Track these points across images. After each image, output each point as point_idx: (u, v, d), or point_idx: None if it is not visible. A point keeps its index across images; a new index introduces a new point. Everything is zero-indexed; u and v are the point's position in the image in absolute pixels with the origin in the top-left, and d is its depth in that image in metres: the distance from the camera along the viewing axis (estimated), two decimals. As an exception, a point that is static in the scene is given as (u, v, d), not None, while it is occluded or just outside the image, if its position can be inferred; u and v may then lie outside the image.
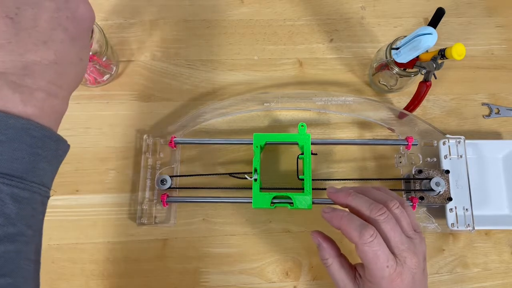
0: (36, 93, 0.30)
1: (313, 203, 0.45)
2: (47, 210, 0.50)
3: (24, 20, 0.30)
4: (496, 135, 0.55)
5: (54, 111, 0.31)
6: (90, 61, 0.48)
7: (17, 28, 0.30)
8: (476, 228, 0.47)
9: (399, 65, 0.49)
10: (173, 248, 0.50)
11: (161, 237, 0.50)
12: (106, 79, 0.53)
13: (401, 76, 0.51)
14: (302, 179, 0.46)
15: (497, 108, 0.56)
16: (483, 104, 0.56)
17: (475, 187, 0.49)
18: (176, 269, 0.49)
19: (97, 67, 0.50)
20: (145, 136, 0.51)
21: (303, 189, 0.46)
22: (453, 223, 0.47)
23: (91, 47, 0.44)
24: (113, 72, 0.54)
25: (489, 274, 0.50)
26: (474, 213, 0.48)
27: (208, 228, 0.50)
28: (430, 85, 0.48)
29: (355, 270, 0.39)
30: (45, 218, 0.50)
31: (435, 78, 0.47)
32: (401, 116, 0.52)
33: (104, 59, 0.50)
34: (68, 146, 0.33)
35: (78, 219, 0.50)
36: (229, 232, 0.50)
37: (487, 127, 0.55)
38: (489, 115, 0.56)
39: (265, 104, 0.52)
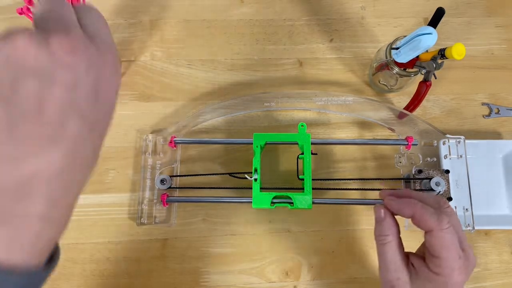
0: (28, 228, 0.21)
1: (313, 203, 0.45)
2: (47, 210, 0.50)
3: (24, 102, 0.19)
4: (496, 135, 0.55)
5: (48, 242, 0.22)
6: None
7: (12, 117, 0.19)
8: (476, 228, 0.47)
9: (399, 65, 0.49)
10: (173, 248, 0.50)
11: (161, 237, 0.50)
12: None
13: (401, 76, 0.51)
14: (302, 179, 0.46)
15: (497, 108, 0.56)
16: (483, 104, 0.56)
17: (475, 187, 0.49)
18: (176, 269, 0.49)
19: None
20: (145, 136, 0.51)
21: (303, 189, 0.46)
22: None
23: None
24: None
25: (489, 274, 0.50)
26: (474, 213, 0.48)
27: (208, 228, 0.50)
28: (430, 85, 0.48)
29: (408, 257, 0.36)
30: (45, 218, 0.50)
31: (435, 78, 0.47)
32: (401, 116, 0.52)
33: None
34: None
35: (78, 219, 0.50)
36: (229, 232, 0.50)
37: (487, 127, 0.55)
38: (489, 115, 0.56)
39: (265, 104, 0.52)
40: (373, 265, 0.50)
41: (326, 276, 0.49)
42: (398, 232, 0.36)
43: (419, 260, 0.35)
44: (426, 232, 0.34)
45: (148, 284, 0.48)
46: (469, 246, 0.34)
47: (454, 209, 0.48)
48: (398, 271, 0.34)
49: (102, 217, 0.50)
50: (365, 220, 0.51)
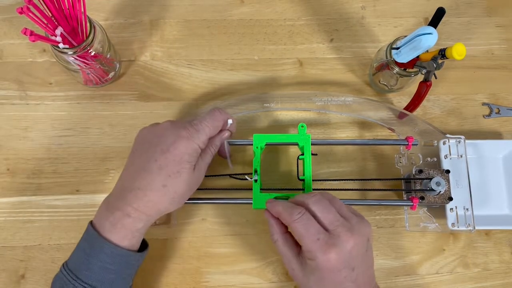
0: (139, 237, 0.40)
1: None
2: (47, 210, 0.50)
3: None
4: (496, 135, 0.55)
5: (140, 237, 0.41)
6: (94, 61, 0.48)
7: None
8: (476, 228, 0.47)
9: (399, 65, 0.49)
10: (173, 248, 0.50)
11: (161, 237, 0.50)
12: (111, 76, 0.53)
13: (401, 76, 0.51)
14: (303, 180, 0.46)
15: (497, 108, 0.56)
16: (483, 104, 0.56)
17: (475, 187, 0.49)
18: (176, 269, 0.49)
19: (102, 66, 0.50)
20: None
21: (303, 189, 0.46)
22: (454, 223, 0.47)
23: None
24: (116, 70, 0.54)
25: (489, 274, 0.50)
26: (474, 213, 0.48)
27: (208, 228, 0.50)
28: (431, 85, 0.48)
29: (299, 248, 0.40)
30: (45, 218, 0.50)
31: (435, 78, 0.47)
32: (401, 116, 0.52)
33: (108, 55, 0.50)
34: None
35: (78, 219, 0.50)
36: (229, 232, 0.50)
37: (487, 127, 0.55)
38: (489, 115, 0.56)
39: (265, 104, 0.52)
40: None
41: (326, 276, 0.49)
42: (284, 229, 0.41)
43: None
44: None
45: (148, 284, 0.48)
46: (341, 224, 0.37)
47: (455, 209, 0.48)
48: (291, 262, 0.39)
49: (102, 217, 0.50)
50: (365, 220, 0.51)
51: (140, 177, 0.40)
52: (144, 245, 0.43)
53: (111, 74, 0.53)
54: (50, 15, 0.44)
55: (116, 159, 0.52)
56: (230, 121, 0.45)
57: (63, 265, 0.40)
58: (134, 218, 0.39)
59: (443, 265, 0.50)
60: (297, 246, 0.40)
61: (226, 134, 0.46)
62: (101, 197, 0.50)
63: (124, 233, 0.39)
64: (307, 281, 0.38)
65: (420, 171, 0.48)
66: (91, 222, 0.40)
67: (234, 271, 0.49)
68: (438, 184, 0.47)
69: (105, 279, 0.38)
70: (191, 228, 0.50)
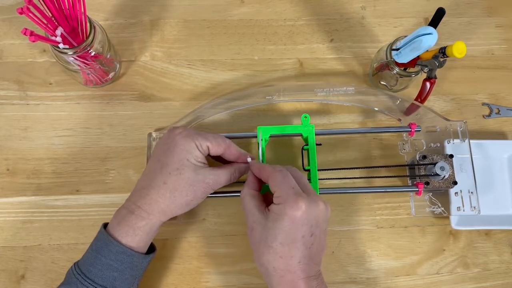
0: (147, 241, 0.42)
1: (319, 193, 0.45)
2: (47, 210, 0.50)
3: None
4: (496, 135, 0.55)
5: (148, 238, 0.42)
6: (94, 61, 0.48)
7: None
8: (481, 227, 0.48)
9: (399, 65, 0.49)
10: (173, 248, 0.50)
11: (161, 237, 0.50)
12: (112, 77, 0.53)
13: (401, 76, 0.51)
14: (308, 170, 0.46)
15: (497, 108, 0.56)
16: (484, 104, 0.56)
17: (479, 187, 0.49)
18: (176, 269, 0.49)
19: (102, 66, 0.50)
20: (148, 133, 0.51)
21: (309, 180, 0.46)
22: (459, 207, 0.47)
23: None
24: (116, 70, 0.54)
25: (489, 274, 0.50)
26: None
27: (208, 228, 0.50)
28: (435, 82, 0.48)
29: (265, 207, 0.40)
30: (45, 218, 0.50)
31: (435, 77, 0.47)
32: (407, 112, 0.52)
33: (108, 55, 0.50)
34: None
35: (78, 219, 0.50)
36: (229, 232, 0.50)
37: (488, 127, 0.55)
38: (489, 115, 0.56)
39: (267, 97, 0.52)
40: (373, 266, 0.50)
41: (326, 277, 0.49)
42: (256, 188, 0.42)
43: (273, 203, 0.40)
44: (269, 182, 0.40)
45: (148, 284, 0.48)
46: (314, 193, 0.39)
47: (460, 193, 0.48)
48: (254, 215, 0.40)
49: (102, 217, 0.50)
50: (365, 221, 0.51)
51: (146, 177, 0.43)
52: (152, 251, 0.43)
53: (111, 74, 0.53)
54: (50, 15, 0.44)
55: (116, 159, 0.52)
56: (249, 159, 0.45)
57: (75, 262, 0.42)
58: (136, 216, 0.40)
59: (443, 265, 0.50)
60: (263, 204, 0.41)
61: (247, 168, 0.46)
62: (101, 197, 0.51)
63: (127, 229, 0.40)
64: (265, 233, 0.38)
65: (424, 157, 0.48)
66: (104, 223, 0.42)
67: (234, 271, 0.49)
68: (442, 168, 0.47)
69: (107, 276, 0.39)
70: (191, 228, 0.50)
